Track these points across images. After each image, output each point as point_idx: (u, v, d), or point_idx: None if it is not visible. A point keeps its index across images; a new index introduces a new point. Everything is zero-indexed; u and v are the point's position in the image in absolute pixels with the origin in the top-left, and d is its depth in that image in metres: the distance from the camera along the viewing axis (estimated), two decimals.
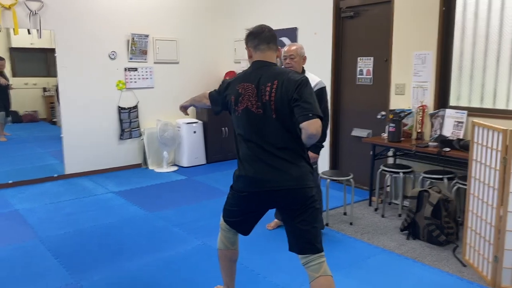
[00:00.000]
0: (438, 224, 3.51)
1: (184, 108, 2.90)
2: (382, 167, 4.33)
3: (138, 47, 6.08)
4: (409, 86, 4.52)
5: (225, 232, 2.53)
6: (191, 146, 6.34)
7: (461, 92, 4.25)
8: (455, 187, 3.79)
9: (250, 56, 2.48)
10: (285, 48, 3.63)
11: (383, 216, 4.24)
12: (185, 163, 6.33)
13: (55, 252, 3.45)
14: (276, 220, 3.92)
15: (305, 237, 2.23)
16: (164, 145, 6.13)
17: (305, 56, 3.63)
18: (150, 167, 6.25)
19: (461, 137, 4.03)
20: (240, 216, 2.45)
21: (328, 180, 3.96)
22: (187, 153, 6.32)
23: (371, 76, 5.00)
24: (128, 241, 3.67)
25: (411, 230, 3.71)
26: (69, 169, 5.74)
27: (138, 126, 6.24)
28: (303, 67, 3.62)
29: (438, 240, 3.51)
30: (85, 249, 3.51)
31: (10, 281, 3.00)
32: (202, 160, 6.49)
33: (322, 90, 3.52)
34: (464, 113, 4.07)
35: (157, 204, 4.61)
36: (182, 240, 3.68)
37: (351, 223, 4.05)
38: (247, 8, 6.55)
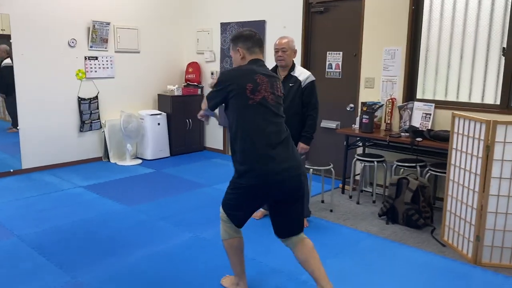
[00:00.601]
0: (417, 208, 3.78)
1: (203, 117, 2.82)
2: (356, 157, 4.55)
3: (99, 35, 5.83)
4: (379, 80, 4.78)
5: (227, 222, 2.55)
6: (155, 138, 6.21)
7: (427, 86, 4.58)
8: (428, 174, 4.09)
9: (242, 57, 2.56)
10: (276, 41, 3.68)
11: (358, 203, 4.47)
12: (149, 155, 6.19)
13: (40, 250, 3.27)
14: (262, 209, 3.99)
15: (296, 223, 2.49)
16: (128, 138, 5.95)
17: (296, 50, 3.72)
18: (112, 160, 6.03)
19: (429, 127, 4.35)
20: (248, 209, 2.51)
21: (311, 169, 4.10)
22: (151, 146, 6.18)
23: (340, 70, 5.21)
24: (116, 236, 3.57)
25: (390, 215, 3.96)
26: (26, 164, 5.39)
27: (99, 118, 5.99)
28: (293, 61, 3.69)
29: (417, 224, 3.78)
30: (73, 246, 3.36)
31: (0, 282, 2.81)
32: (166, 153, 6.38)
33: (313, 83, 3.63)
34: (431, 105, 4.39)
35: (133, 198, 4.50)
36: (172, 233, 3.64)
37: (331, 210, 4.23)
38: None
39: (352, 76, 5.07)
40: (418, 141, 4.09)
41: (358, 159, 4.53)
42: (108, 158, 6.07)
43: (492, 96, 4.19)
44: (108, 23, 5.88)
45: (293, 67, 3.68)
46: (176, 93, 6.41)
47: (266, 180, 2.34)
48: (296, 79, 3.61)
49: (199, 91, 6.66)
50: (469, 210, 3.23)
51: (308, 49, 5.46)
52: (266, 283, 2.84)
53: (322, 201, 4.48)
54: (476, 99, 4.28)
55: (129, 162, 5.99)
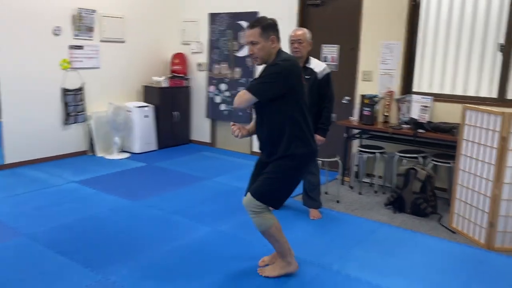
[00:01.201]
0: (425, 197, 3.93)
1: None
2: (358, 148, 4.65)
3: (84, 23, 5.56)
4: (376, 73, 4.89)
5: (265, 210, 2.64)
6: (143, 131, 6.03)
7: (423, 79, 4.74)
8: (430, 165, 4.25)
9: (274, 46, 2.59)
10: (292, 33, 3.68)
11: (360, 193, 4.58)
12: (137, 149, 6.01)
13: (56, 249, 3.11)
14: None
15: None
16: (116, 130, 5.75)
17: (311, 42, 3.73)
18: (99, 154, 5.81)
19: (427, 120, 4.52)
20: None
21: (320, 162, 4.15)
22: (139, 139, 6.00)
23: (336, 63, 5.28)
24: (133, 232, 3.45)
25: (397, 204, 4.09)
26: (9, 159, 5.08)
27: (84, 110, 5.73)
28: (308, 53, 3.70)
29: (424, 212, 3.93)
30: (90, 244, 3.22)
31: (23, 285, 2.64)
32: (154, 146, 6.22)
33: (329, 75, 3.68)
34: (430, 98, 4.56)
35: (135, 192, 4.36)
36: (190, 227, 3.57)
37: (338, 201, 4.30)
38: None
39: (347, 69, 5.16)
40: (420, 132, 4.24)
41: (360, 151, 4.63)
42: (94, 152, 5.83)
43: (487, 89, 4.41)
44: (94, 11, 5.63)
45: (308, 59, 3.69)
46: (163, 85, 6.25)
47: (314, 158, 2.71)
48: (312, 71, 3.63)
49: (185, 83, 6.54)
50: (481, 198, 3.40)
51: None
52: (303, 275, 2.86)
53: (326, 193, 4.55)
54: (471, 92, 4.49)
55: (116, 155, 5.79)
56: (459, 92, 4.56)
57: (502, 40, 4.24)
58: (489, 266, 3.06)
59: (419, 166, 4.04)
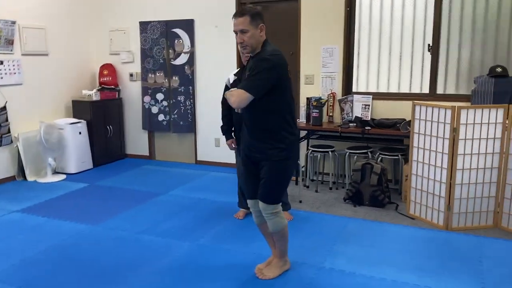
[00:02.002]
0: (381, 189, 4.23)
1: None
2: (311, 149, 4.84)
3: (3, 36, 5.04)
4: (318, 76, 5.14)
5: (280, 209, 2.78)
6: (77, 150, 5.63)
7: (362, 80, 5.09)
8: (379, 158, 4.58)
9: (262, 35, 2.67)
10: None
11: (316, 191, 4.77)
12: (72, 169, 5.58)
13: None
14: (243, 209, 4.00)
15: None
16: (50, 151, 5.29)
17: None
18: (30, 179, 5.29)
19: (370, 117, 4.85)
20: None
21: None
22: (74, 158, 5.59)
23: None
24: (107, 257, 3.22)
25: (355, 198, 4.34)
26: None
27: (9, 132, 5.19)
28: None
29: (382, 203, 4.23)
30: (63, 279, 2.94)
31: None
32: (89, 164, 5.83)
33: None
34: (370, 97, 4.90)
35: (90, 216, 4.06)
36: (166, 245, 3.43)
37: (300, 201, 4.44)
38: None
39: (290, 73, 5.32)
40: (368, 129, 4.55)
41: (313, 151, 4.82)
42: (24, 176, 5.30)
43: (418, 86, 4.86)
44: (14, 22, 5.12)
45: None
46: (94, 98, 5.89)
47: (299, 142, 2.97)
48: None
49: (117, 95, 6.23)
50: (437, 184, 3.76)
51: None
52: (300, 277, 2.92)
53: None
54: (405, 89, 4.93)
55: (51, 178, 5.32)
56: (394, 89, 4.97)
57: (430, 41, 4.71)
58: (452, 244, 3.40)
59: (373, 160, 4.33)
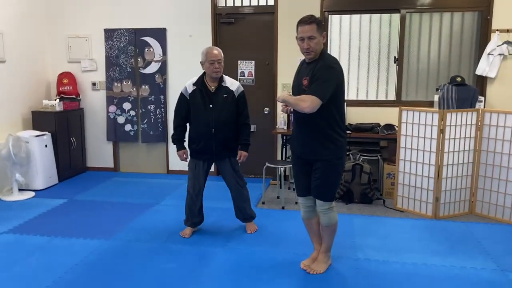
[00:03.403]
0: (371, 187, 4.67)
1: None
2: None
3: None
4: None
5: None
6: (44, 164, 5.24)
7: None
8: (360, 159, 5.04)
9: (324, 40, 2.91)
10: (210, 52, 3.54)
11: None
12: (39, 185, 5.18)
13: None
14: (189, 227, 3.88)
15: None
16: (18, 166, 4.86)
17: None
18: None
19: (346, 122, 5.30)
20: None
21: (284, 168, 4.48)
22: (41, 173, 5.19)
23: (253, 77, 5.64)
24: (150, 271, 3.16)
25: (346, 197, 4.72)
26: None
27: None
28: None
29: (371, 199, 4.67)
30: None
31: None
32: (55, 179, 5.45)
33: (244, 92, 3.73)
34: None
35: (96, 231, 3.88)
36: (201, 252, 3.46)
37: (296, 203, 4.70)
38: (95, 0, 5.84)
39: (265, 82, 5.59)
40: (349, 133, 4.98)
41: None
42: None
43: (384, 94, 5.44)
44: None
45: (222, 77, 3.65)
46: (58, 109, 5.54)
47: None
48: (228, 89, 3.63)
49: (78, 105, 5.91)
50: (425, 179, 4.29)
51: None
52: (346, 268, 3.18)
53: (278, 197, 4.89)
54: (372, 97, 5.47)
55: (18, 196, 4.89)
56: (362, 97, 5.49)
57: (394, 54, 5.31)
58: (448, 230, 3.93)
59: (360, 162, 4.77)
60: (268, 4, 5.47)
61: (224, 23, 5.59)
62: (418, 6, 5.13)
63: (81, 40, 5.86)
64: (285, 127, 5.32)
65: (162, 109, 5.83)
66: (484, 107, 4.88)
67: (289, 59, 5.40)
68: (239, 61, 5.63)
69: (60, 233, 3.84)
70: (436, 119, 4.14)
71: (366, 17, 5.34)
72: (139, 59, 5.79)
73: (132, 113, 5.91)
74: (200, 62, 3.64)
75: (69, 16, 5.85)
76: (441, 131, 4.13)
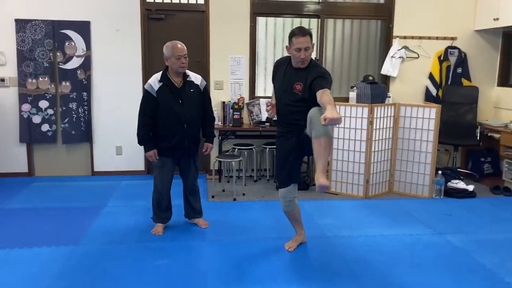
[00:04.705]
0: (308, 174, 5.17)
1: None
2: (237, 148, 5.38)
3: None
4: (227, 82, 5.69)
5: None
6: None
7: (266, 86, 5.91)
8: None
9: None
10: (175, 47, 3.54)
11: (245, 185, 5.34)
12: None
13: None
14: (160, 224, 3.88)
15: None
16: None
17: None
18: None
19: (275, 118, 5.72)
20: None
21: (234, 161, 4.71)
22: None
23: None
24: (126, 275, 3.14)
25: None
26: None
27: None
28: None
29: (308, 185, 5.17)
30: None
31: None
32: None
33: (207, 86, 3.84)
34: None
35: (57, 238, 3.62)
36: (188, 247, 3.52)
37: (244, 194, 4.95)
38: None
39: None
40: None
41: (239, 149, 5.37)
42: None
43: None
44: None
45: (185, 72, 3.66)
46: None
47: None
48: (193, 83, 3.69)
49: None
50: (356, 165, 4.94)
51: (147, 54, 5.57)
52: (323, 244, 3.58)
53: (223, 190, 5.09)
54: None
55: None
56: None
57: (316, 55, 5.90)
58: (381, 207, 4.61)
59: None
60: (199, 2, 5.57)
61: (154, 18, 5.53)
62: (334, 13, 5.79)
63: None
64: (220, 123, 5.50)
65: (86, 107, 5.51)
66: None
67: (220, 57, 5.60)
68: None
69: (15, 244, 3.49)
70: (366, 112, 4.80)
71: (288, 20, 5.81)
72: (58, 53, 5.37)
73: (50, 111, 5.46)
74: (165, 57, 3.63)
75: None
76: (370, 122, 4.80)
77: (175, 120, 3.60)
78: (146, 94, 3.61)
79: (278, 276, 3.06)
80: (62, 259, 3.23)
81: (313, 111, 2.94)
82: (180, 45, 3.61)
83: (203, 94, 3.79)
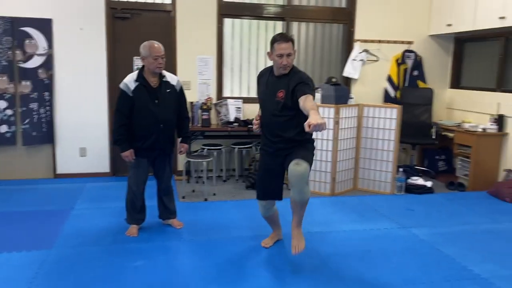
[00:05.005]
0: None
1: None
2: (205, 148, 5.40)
3: None
4: (195, 83, 5.70)
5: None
6: None
7: (233, 87, 5.97)
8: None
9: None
10: (152, 48, 3.54)
11: (224, 181, 5.38)
12: None
13: None
14: (134, 225, 3.86)
15: None
16: None
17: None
18: None
19: (242, 118, 5.80)
20: None
21: (204, 161, 4.74)
22: None
23: None
24: (107, 276, 3.11)
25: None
26: None
27: None
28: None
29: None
30: None
31: None
32: None
33: (182, 86, 3.87)
34: (240, 101, 5.84)
35: (26, 242, 3.50)
36: (140, 250, 3.52)
37: (214, 194, 4.99)
38: None
39: None
40: (251, 127, 5.50)
41: (208, 149, 5.39)
42: None
43: None
44: None
45: (161, 73, 3.67)
46: None
47: None
48: (169, 84, 3.70)
49: None
50: (323, 164, 5.10)
51: (112, 54, 5.47)
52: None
53: (193, 191, 5.09)
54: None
55: None
56: (253, 95, 6.06)
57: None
58: (345, 203, 4.80)
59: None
60: (165, 2, 5.54)
61: (119, 17, 5.44)
62: (299, 16, 5.94)
63: None
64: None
65: (48, 107, 5.33)
66: None
67: (188, 58, 5.60)
68: (134, 58, 5.54)
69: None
70: (332, 112, 4.97)
71: (255, 22, 5.90)
72: (17, 51, 5.17)
73: (9, 112, 5.24)
74: (141, 57, 3.61)
75: None
76: (337, 122, 4.98)
77: (151, 120, 3.59)
78: (122, 93, 3.58)
79: (257, 272, 3.13)
80: (35, 264, 3.14)
81: (291, 168, 2.99)
82: (157, 45, 3.61)
83: (179, 95, 3.80)
